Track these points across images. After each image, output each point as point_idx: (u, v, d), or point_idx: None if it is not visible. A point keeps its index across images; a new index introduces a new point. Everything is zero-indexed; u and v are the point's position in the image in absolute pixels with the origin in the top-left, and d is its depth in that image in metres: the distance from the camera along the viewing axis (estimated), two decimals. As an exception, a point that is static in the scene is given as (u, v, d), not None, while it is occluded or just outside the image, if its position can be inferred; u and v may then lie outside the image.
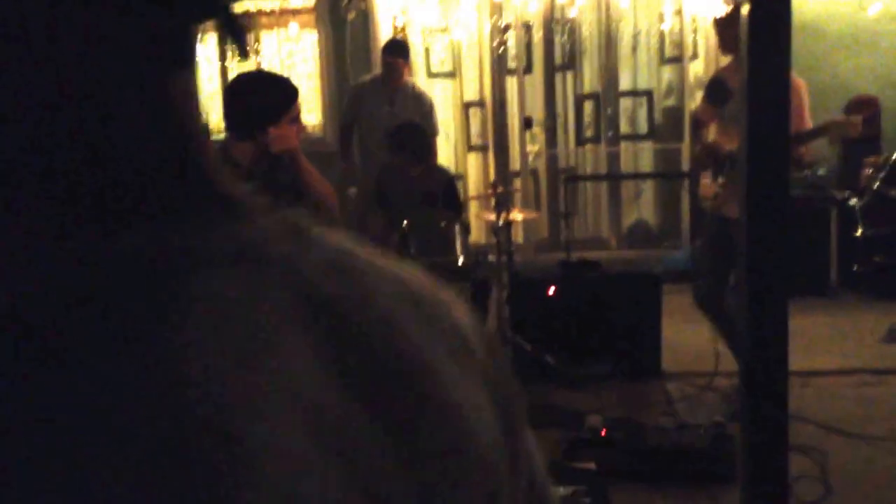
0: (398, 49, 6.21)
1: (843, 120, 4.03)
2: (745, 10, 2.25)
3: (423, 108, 6.29)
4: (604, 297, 5.03)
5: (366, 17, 6.88)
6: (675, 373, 5.00)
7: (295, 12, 7.56)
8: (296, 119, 2.98)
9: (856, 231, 6.28)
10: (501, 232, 5.07)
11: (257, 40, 7.70)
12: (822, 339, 5.49)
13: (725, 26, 4.18)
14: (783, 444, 2.48)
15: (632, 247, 7.31)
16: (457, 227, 4.91)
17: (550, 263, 5.37)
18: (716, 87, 4.20)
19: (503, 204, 5.01)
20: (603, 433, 3.89)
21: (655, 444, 3.78)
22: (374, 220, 5.39)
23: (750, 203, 2.35)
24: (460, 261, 4.86)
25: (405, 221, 4.95)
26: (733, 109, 3.94)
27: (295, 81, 7.80)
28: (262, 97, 2.92)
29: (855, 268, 6.31)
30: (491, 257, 5.20)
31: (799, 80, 4.04)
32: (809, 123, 4.10)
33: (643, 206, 7.33)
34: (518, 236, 7.40)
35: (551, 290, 5.05)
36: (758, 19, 2.23)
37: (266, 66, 7.70)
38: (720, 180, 4.27)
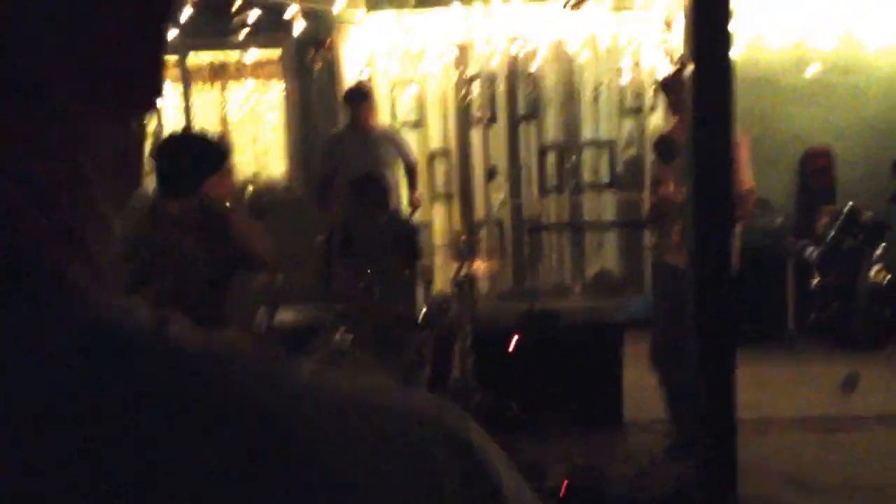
0: (359, 95, 6.32)
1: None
2: (689, 70, 2.33)
3: (397, 145, 6.43)
4: (565, 346, 5.07)
5: (331, 69, 6.96)
6: (637, 421, 5.03)
7: (261, 64, 7.63)
8: (227, 174, 3.22)
9: (812, 280, 6.39)
10: (464, 281, 5.11)
11: (224, 91, 7.76)
12: (778, 388, 5.55)
13: (671, 87, 4.31)
14: (733, 491, 2.52)
15: (596, 295, 7.37)
16: (418, 277, 4.93)
17: (513, 313, 5.40)
18: (665, 145, 4.28)
19: (465, 254, 5.06)
20: (565, 483, 3.90)
21: (616, 493, 3.80)
22: (341, 268, 5.41)
23: (697, 253, 2.42)
24: (422, 310, 4.88)
25: (369, 271, 4.98)
26: (682, 165, 4.04)
27: (261, 132, 7.90)
28: (197, 157, 3.05)
29: (812, 317, 6.40)
30: (454, 307, 5.22)
31: (742, 136, 4.14)
32: (749, 177, 4.17)
33: (606, 255, 7.41)
34: (483, 285, 7.45)
35: (513, 340, 5.08)
36: (702, 79, 2.31)
37: (232, 118, 7.78)
38: (659, 230, 4.34)
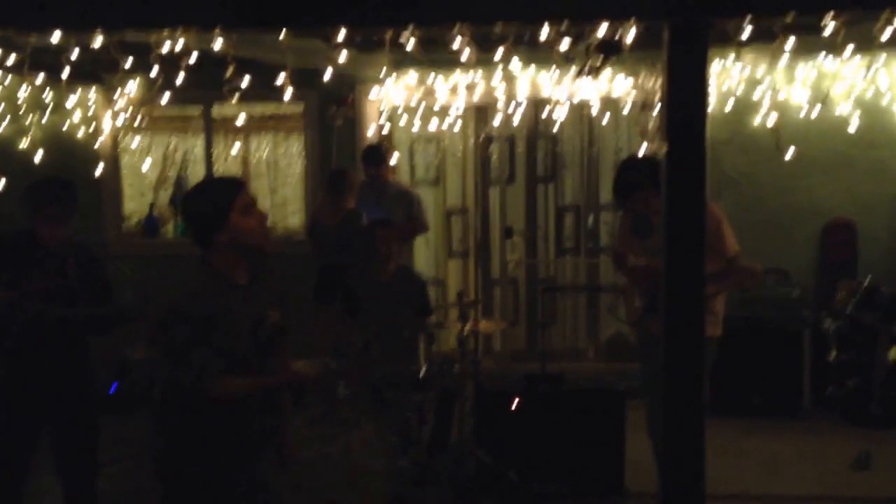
0: (376, 158, 6.42)
1: (750, 269, 4.14)
2: (662, 150, 2.33)
3: (408, 205, 6.47)
4: (567, 411, 5.00)
5: (352, 124, 7.06)
6: (639, 492, 4.92)
7: (284, 117, 7.78)
8: (248, 210, 2.95)
9: (830, 354, 6.26)
10: (466, 342, 5.08)
11: (246, 143, 7.90)
12: (789, 463, 5.42)
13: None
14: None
15: (610, 359, 7.28)
16: (420, 337, 4.91)
17: (517, 375, 5.34)
18: (641, 222, 4.31)
19: (467, 315, 5.03)
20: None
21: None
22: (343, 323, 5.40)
23: (668, 326, 2.38)
24: (423, 371, 4.84)
25: (370, 327, 4.98)
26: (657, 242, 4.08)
27: (283, 183, 8.00)
28: (206, 200, 2.95)
29: (828, 391, 6.26)
30: (456, 367, 5.17)
31: (717, 208, 4.16)
32: (733, 242, 4.18)
33: (622, 319, 7.31)
34: (496, 344, 7.41)
35: (514, 404, 5.02)
36: (675, 159, 2.30)
37: (254, 170, 7.91)
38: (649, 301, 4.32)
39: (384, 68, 6.21)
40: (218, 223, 2.89)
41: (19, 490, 3.96)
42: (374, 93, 7.05)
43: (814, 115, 6.57)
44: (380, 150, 6.55)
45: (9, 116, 7.02)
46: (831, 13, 5.14)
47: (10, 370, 3.90)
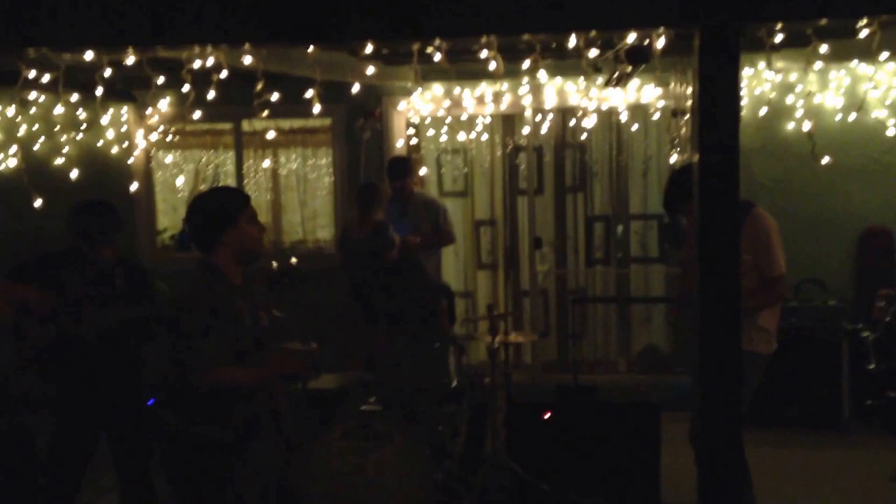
0: (400, 170, 6.40)
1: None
2: (695, 158, 2.30)
3: (435, 216, 6.45)
4: (600, 424, 4.93)
5: (380, 137, 7.06)
6: (675, 505, 4.84)
7: (313, 131, 7.81)
8: (252, 220, 3.23)
9: (868, 364, 6.14)
10: (496, 354, 5.03)
11: (275, 157, 7.94)
12: (828, 476, 5.31)
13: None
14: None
15: (642, 371, 7.20)
16: (450, 349, 4.88)
17: (549, 387, 5.28)
18: (670, 232, 4.25)
19: (497, 327, 4.99)
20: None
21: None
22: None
23: (703, 336, 2.35)
24: (454, 383, 4.81)
25: (399, 339, 4.96)
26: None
27: (312, 196, 8.00)
28: (220, 203, 3.21)
29: (868, 402, 6.14)
30: (487, 379, 5.14)
31: (770, 220, 4.07)
32: (780, 261, 4.09)
33: (653, 331, 7.24)
34: (526, 356, 7.35)
35: (546, 416, 4.97)
36: (707, 168, 2.27)
37: (283, 183, 7.94)
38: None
39: (411, 80, 6.21)
40: (227, 225, 3.14)
41: (77, 488, 4.18)
42: (402, 105, 7.06)
43: (849, 120, 6.47)
44: (403, 163, 6.54)
45: (44, 134, 7.13)
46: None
47: (67, 379, 4.07)
